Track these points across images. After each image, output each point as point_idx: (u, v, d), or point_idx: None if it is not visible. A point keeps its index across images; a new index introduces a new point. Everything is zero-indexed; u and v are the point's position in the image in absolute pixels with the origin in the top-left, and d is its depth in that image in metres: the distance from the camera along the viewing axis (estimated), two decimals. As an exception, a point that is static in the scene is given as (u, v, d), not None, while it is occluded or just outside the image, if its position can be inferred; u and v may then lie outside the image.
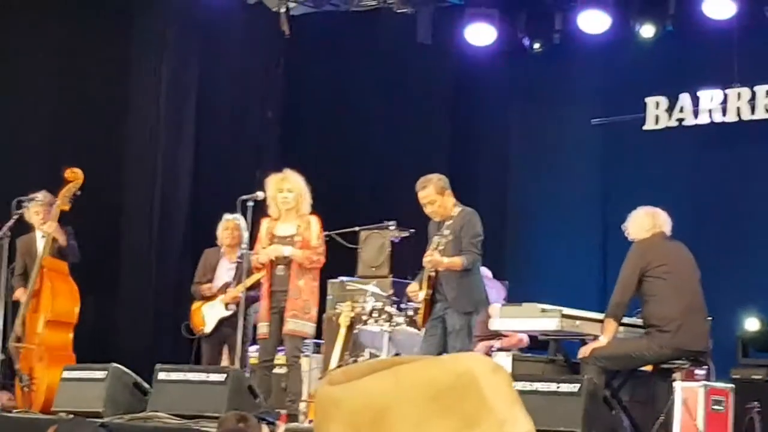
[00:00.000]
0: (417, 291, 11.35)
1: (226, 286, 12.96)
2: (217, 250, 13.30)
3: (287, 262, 11.34)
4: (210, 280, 13.14)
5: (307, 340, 11.94)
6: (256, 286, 11.85)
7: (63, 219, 12.99)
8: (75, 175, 12.94)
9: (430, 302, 11.24)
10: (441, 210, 11.31)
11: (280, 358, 11.79)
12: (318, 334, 13.07)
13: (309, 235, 11.43)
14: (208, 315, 12.99)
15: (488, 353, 12.78)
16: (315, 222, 11.54)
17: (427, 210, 11.38)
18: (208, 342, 13.07)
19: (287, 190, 11.42)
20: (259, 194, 11.57)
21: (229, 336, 12.82)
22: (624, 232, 11.13)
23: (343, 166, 16.42)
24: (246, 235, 12.18)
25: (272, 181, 11.53)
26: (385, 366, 1.72)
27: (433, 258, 11.11)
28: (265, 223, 11.55)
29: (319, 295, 11.87)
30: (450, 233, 11.10)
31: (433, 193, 11.23)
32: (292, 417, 10.99)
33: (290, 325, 11.24)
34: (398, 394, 1.63)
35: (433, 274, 11.23)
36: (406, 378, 1.64)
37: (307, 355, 12.23)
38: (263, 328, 11.47)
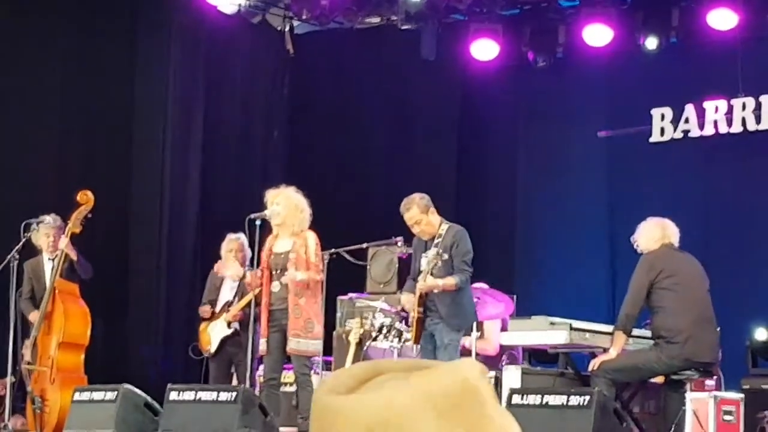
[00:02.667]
0: (412, 302, 11.39)
1: (229, 304, 13.02)
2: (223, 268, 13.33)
3: (285, 281, 11.38)
4: (215, 300, 13.17)
5: (316, 358, 11.95)
6: (260, 303, 11.86)
7: (73, 241, 13.02)
8: (87, 198, 12.98)
9: (422, 320, 11.32)
10: (428, 228, 11.46)
11: (288, 376, 11.81)
12: (328, 351, 13.09)
13: (305, 251, 11.44)
14: (212, 335, 13.03)
15: (499, 366, 12.79)
16: (312, 238, 11.55)
17: (415, 230, 11.52)
18: (214, 362, 13.10)
19: (276, 204, 11.45)
20: (267, 213, 11.59)
21: (234, 354, 12.89)
22: (633, 243, 11.14)
23: (350, 183, 16.43)
24: (250, 253, 12.21)
25: (268, 195, 11.59)
26: (379, 372, 1.70)
27: (428, 283, 11.19)
28: (268, 240, 11.61)
29: (324, 311, 11.89)
30: (443, 252, 11.15)
31: (418, 213, 11.37)
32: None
33: (292, 345, 11.31)
34: (414, 407, 1.62)
35: (425, 293, 11.30)
36: (421, 389, 1.64)
37: (317, 373, 12.21)
38: (263, 345, 11.57)
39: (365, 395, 1.63)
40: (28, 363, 12.82)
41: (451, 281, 11.16)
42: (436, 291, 11.22)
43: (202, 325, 13.24)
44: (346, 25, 17.05)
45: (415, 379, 1.64)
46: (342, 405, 1.63)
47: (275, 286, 11.54)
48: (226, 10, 16.53)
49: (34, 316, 13.00)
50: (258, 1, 17.01)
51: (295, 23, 17.19)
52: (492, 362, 12.77)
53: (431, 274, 11.21)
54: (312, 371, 11.78)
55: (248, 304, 12.33)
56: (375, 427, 1.61)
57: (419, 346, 11.47)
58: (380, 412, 1.62)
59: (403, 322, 12.92)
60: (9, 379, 12.82)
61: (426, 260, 11.30)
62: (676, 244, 11.06)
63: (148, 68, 16.72)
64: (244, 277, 12.52)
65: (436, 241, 11.37)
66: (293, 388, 11.78)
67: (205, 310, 13.29)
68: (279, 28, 17.35)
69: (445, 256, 11.17)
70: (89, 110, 16.25)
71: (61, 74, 16.14)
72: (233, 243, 13.08)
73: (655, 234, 11.03)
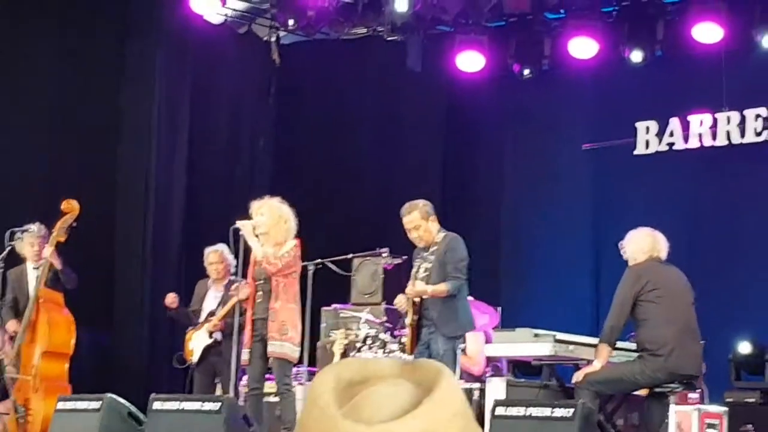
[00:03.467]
0: (404, 304, 11.41)
1: (211, 314, 13.06)
2: (206, 281, 13.39)
3: (266, 290, 11.40)
4: (199, 310, 13.22)
5: (298, 368, 11.98)
6: (244, 314, 11.90)
7: (58, 250, 13.02)
8: (71, 207, 12.99)
9: (417, 327, 11.32)
10: (426, 235, 11.39)
11: (270, 386, 11.81)
12: (313, 362, 13.12)
13: (279, 251, 11.47)
14: (195, 344, 13.07)
15: (482, 379, 12.81)
16: (290, 244, 11.53)
17: (412, 235, 11.45)
18: (198, 371, 13.16)
19: (260, 214, 11.47)
20: (251, 223, 11.62)
21: (216, 364, 12.93)
22: (620, 249, 11.15)
23: (336, 193, 16.44)
24: (234, 263, 12.26)
25: (252, 206, 11.61)
26: (368, 378, 1.71)
27: (416, 288, 11.20)
28: (253, 252, 11.65)
29: (308, 321, 11.94)
30: (435, 259, 11.16)
31: (419, 218, 11.31)
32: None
33: (269, 348, 11.32)
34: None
35: (417, 300, 11.28)
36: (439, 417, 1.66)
37: (300, 383, 12.22)
38: (245, 355, 11.64)
39: (396, 424, 1.63)
40: (13, 373, 12.82)
41: (441, 287, 11.13)
42: (425, 297, 11.24)
43: (188, 335, 13.28)
44: (332, 36, 17.05)
45: (429, 405, 1.66)
46: None
47: (258, 297, 11.58)
48: (213, 20, 16.53)
49: (11, 325, 12.99)
50: (244, 11, 17.03)
51: (282, 34, 17.20)
52: (477, 373, 12.80)
53: (426, 282, 11.22)
54: (295, 381, 11.80)
55: (231, 314, 12.37)
56: None
57: (414, 356, 11.45)
58: None
59: (388, 333, 12.95)
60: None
61: (422, 266, 11.30)
62: (664, 258, 11.09)
63: (136, 75, 16.72)
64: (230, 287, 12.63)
65: (432, 249, 11.37)
66: (276, 399, 11.76)
67: (169, 298, 13.47)
68: (265, 39, 17.36)
69: (435, 263, 11.21)
70: (76, 116, 16.24)
71: (49, 79, 16.13)
72: (213, 255, 13.22)
73: (644, 245, 11.04)
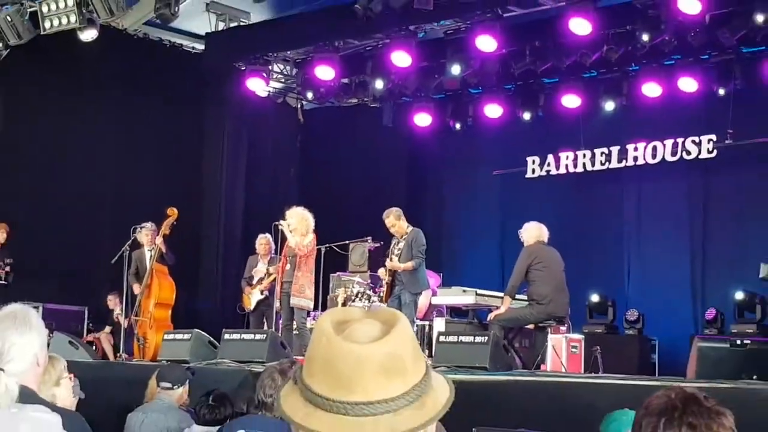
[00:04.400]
0: (384, 274, 11.64)
1: (261, 280, 13.05)
2: (256, 256, 13.39)
3: (293, 263, 11.47)
4: (252, 276, 13.24)
5: (315, 312, 12.05)
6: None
7: (164, 240, 13.04)
8: (173, 212, 13.05)
9: (391, 286, 11.45)
10: (399, 230, 11.57)
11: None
12: (324, 308, 13.13)
13: (303, 241, 11.56)
14: (252, 299, 13.07)
15: (431, 319, 12.82)
16: (309, 237, 11.68)
17: (392, 230, 11.69)
18: (253, 316, 13.15)
19: (289, 217, 11.59)
20: (285, 222, 11.70)
21: (265, 311, 12.91)
22: (519, 235, 11.17)
23: (339, 203, 16.39)
24: (273, 246, 12.35)
25: (286, 211, 11.78)
26: (353, 317, 1.76)
27: (393, 264, 11.43)
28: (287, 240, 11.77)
29: (316, 283, 12.06)
30: (405, 245, 11.31)
31: (393, 219, 11.57)
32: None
33: (293, 301, 11.53)
34: (404, 347, 1.71)
35: (393, 270, 11.45)
36: (402, 337, 1.73)
37: (314, 321, 12.23)
38: (276, 303, 11.95)
39: (375, 345, 1.65)
40: (135, 315, 12.83)
41: (409, 264, 11.40)
42: (398, 270, 11.40)
43: (245, 292, 13.28)
44: (336, 104, 17.06)
45: (393, 334, 1.67)
46: (362, 351, 1.65)
47: (287, 267, 11.70)
48: (261, 94, 16.53)
49: (136, 288, 13.00)
50: (280, 88, 17.01)
51: (304, 102, 17.19)
52: (427, 316, 12.80)
53: (398, 258, 11.41)
54: (312, 320, 11.81)
55: (273, 279, 12.39)
56: (391, 359, 1.65)
57: (387, 304, 11.56)
58: (387, 355, 1.65)
59: (371, 290, 12.95)
60: (125, 322, 12.82)
61: (397, 249, 11.48)
62: (546, 241, 11.11)
63: (212, 130, 16.74)
64: (272, 263, 12.66)
65: (403, 237, 11.53)
66: (296, 332, 11.80)
67: (247, 288, 13.39)
68: (294, 105, 17.35)
69: (405, 247, 11.45)
70: (175, 155, 16.27)
71: (158, 132, 16.17)
72: (262, 239, 13.25)
73: (534, 233, 11.08)
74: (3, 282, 13.39)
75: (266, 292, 12.95)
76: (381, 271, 11.89)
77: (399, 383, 1.65)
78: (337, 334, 1.67)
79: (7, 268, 13.45)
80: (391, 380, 1.64)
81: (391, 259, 11.50)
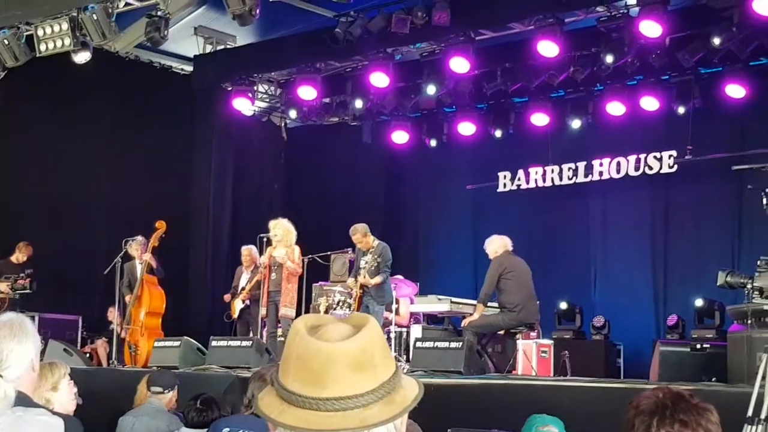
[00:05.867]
0: (354, 285, 11.81)
1: (243, 289, 13.02)
2: (241, 267, 13.36)
3: (278, 273, 11.46)
4: (237, 286, 13.20)
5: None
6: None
7: (154, 251, 13.00)
8: (161, 225, 13.01)
9: (361, 297, 11.50)
10: (365, 245, 11.72)
11: (281, 332, 11.83)
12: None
13: (292, 255, 11.54)
14: (236, 307, 13.04)
15: (408, 326, 12.82)
16: (297, 249, 11.71)
17: (358, 245, 11.86)
18: (238, 323, 13.08)
19: (274, 228, 11.54)
20: (270, 234, 11.68)
21: (248, 319, 12.87)
22: (485, 250, 11.18)
23: (321, 216, 16.37)
24: (258, 256, 12.33)
25: (270, 223, 11.73)
26: (326, 321, 1.76)
27: (365, 280, 11.61)
28: (269, 249, 11.72)
29: (301, 293, 12.04)
30: (373, 259, 11.40)
31: (360, 236, 11.72)
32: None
33: (282, 311, 11.47)
34: (373, 345, 1.70)
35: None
36: (371, 336, 1.72)
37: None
38: (263, 311, 11.81)
39: (346, 342, 1.65)
40: (127, 324, 12.79)
41: (377, 279, 11.54)
42: (369, 285, 11.45)
43: (232, 302, 13.24)
44: (318, 122, 17.05)
45: (363, 332, 1.67)
46: (334, 348, 1.65)
47: (272, 276, 11.65)
48: (246, 113, 16.50)
49: (128, 297, 12.95)
50: (265, 107, 16.98)
51: (288, 121, 17.18)
52: (405, 324, 12.79)
53: (367, 272, 11.42)
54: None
55: (256, 288, 12.35)
56: (360, 355, 1.65)
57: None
58: (358, 352, 1.65)
59: (351, 299, 12.96)
60: (116, 330, 12.78)
61: (364, 262, 11.48)
62: (511, 250, 11.12)
63: (200, 146, 16.70)
64: (255, 271, 12.62)
65: (370, 251, 11.53)
66: (282, 339, 11.77)
67: (226, 297, 13.39)
68: (278, 124, 17.33)
69: (374, 262, 11.41)
70: (165, 170, 16.24)
71: (149, 147, 16.17)
72: (245, 251, 13.20)
73: (500, 243, 11.09)
74: (27, 291, 13.35)
75: (247, 301, 12.91)
76: (350, 282, 11.93)
77: (369, 380, 1.65)
78: (310, 335, 1.67)
79: (29, 279, 13.42)
80: (361, 377, 1.65)
81: (362, 275, 11.58)
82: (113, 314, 13.45)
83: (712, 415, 2.48)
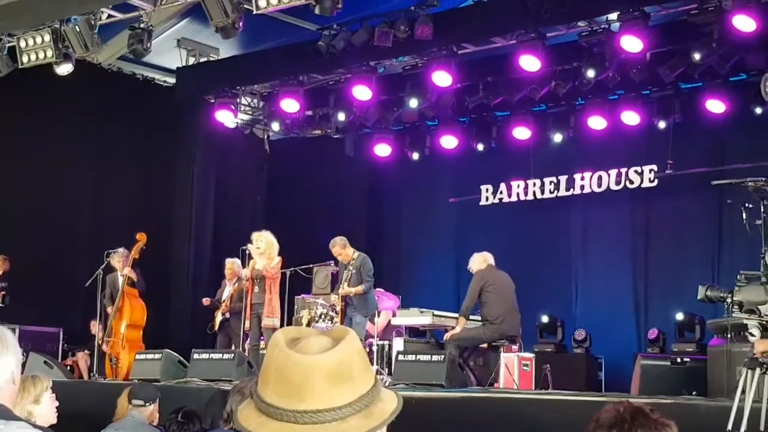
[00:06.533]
0: (336, 301, 11.71)
1: (223, 302, 13.03)
2: (225, 279, 13.33)
3: (261, 286, 11.43)
4: (220, 299, 13.18)
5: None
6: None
7: (135, 263, 12.97)
8: (142, 237, 12.99)
9: (344, 309, 11.54)
10: (345, 257, 11.74)
11: (263, 345, 11.79)
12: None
13: (271, 266, 11.50)
14: (217, 320, 13.02)
15: (391, 338, 12.82)
16: (276, 260, 11.64)
17: (338, 258, 11.96)
18: (220, 335, 13.05)
19: (257, 240, 11.51)
20: (253, 246, 11.66)
21: (231, 331, 12.85)
22: (468, 268, 11.23)
23: (304, 228, 16.36)
24: (241, 268, 12.31)
25: (253, 235, 11.72)
26: (306, 334, 1.76)
27: (346, 290, 11.66)
28: (251, 262, 11.71)
29: (283, 306, 11.98)
30: (354, 270, 11.40)
31: (339, 248, 11.80)
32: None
33: (265, 322, 11.40)
34: (351, 357, 1.71)
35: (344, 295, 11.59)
36: (350, 350, 1.73)
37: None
38: (246, 324, 11.75)
39: (324, 355, 1.66)
40: (108, 336, 12.74)
41: (359, 289, 11.50)
42: (350, 295, 11.44)
43: (216, 314, 13.21)
44: (301, 135, 17.04)
45: (341, 345, 1.67)
46: (312, 361, 1.65)
47: (255, 289, 11.64)
48: (229, 126, 16.46)
49: (110, 309, 12.91)
50: (248, 120, 16.97)
51: (270, 133, 17.16)
52: (387, 336, 12.79)
53: (348, 283, 11.43)
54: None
55: (238, 300, 12.36)
56: (338, 368, 1.65)
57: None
58: (336, 365, 1.66)
59: (334, 311, 12.93)
60: (103, 343, 12.74)
61: (346, 274, 11.49)
62: (493, 265, 11.15)
63: (183, 158, 16.65)
64: (236, 283, 12.60)
65: (350, 263, 11.55)
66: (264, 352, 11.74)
67: (204, 300, 13.48)
68: (261, 136, 17.31)
69: (354, 272, 11.53)
70: (147, 182, 16.21)
71: (130, 161, 16.12)
72: (228, 264, 13.16)
73: (480, 261, 11.13)
74: (0, 305, 13.31)
75: (227, 314, 12.89)
76: (333, 298, 11.95)
77: (347, 392, 1.66)
78: (289, 347, 1.68)
79: (3, 292, 13.37)
80: (340, 389, 1.65)
81: (342, 286, 11.59)
82: (96, 327, 13.40)
83: (671, 431, 2.50)
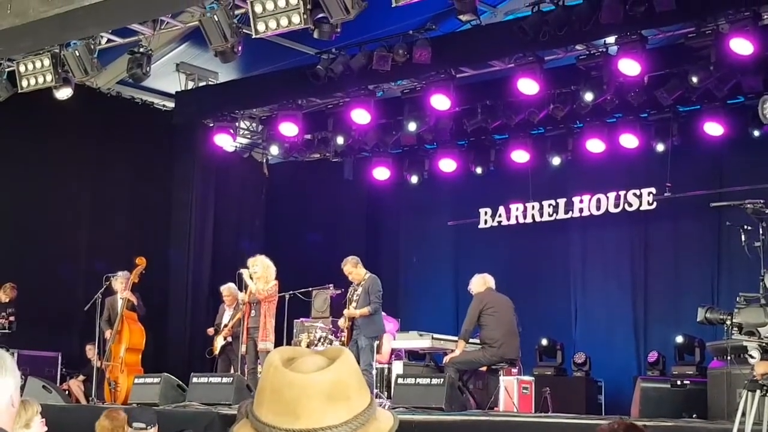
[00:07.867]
0: (344, 324, 11.49)
1: (225, 326, 13.01)
2: (224, 304, 13.34)
3: (257, 310, 11.44)
4: (220, 323, 13.19)
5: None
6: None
7: (134, 287, 12.98)
8: (141, 261, 13.02)
9: (351, 331, 11.39)
10: (356, 277, 11.52)
11: (260, 369, 11.78)
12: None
13: (266, 287, 11.50)
14: (217, 344, 13.01)
15: (390, 363, 12.77)
16: (272, 282, 11.66)
17: (349, 277, 11.60)
18: (219, 359, 13.03)
19: (253, 265, 11.58)
20: (249, 270, 11.69)
21: (230, 354, 12.84)
22: (468, 289, 11.22)
23: (302, 252, 16.37)
24: (238, 293, 12.33)
25: (249, 260, 11.75)
26: (301, 354, 1.76)
27: (352, 312, 11.36)
28: (249, 287, 11.71)
29: (282, 329, 12.02)
30: (362, 291, 11.27)
31: (350, 267, 11.53)
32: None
33: (260, 346, 11.45)
34: (349, 377, 1.71)
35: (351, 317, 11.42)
36: (346, 369, 1.73)
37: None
38: (243, 348, 11.78)
39: (319, 373, 1.66)
40: (106, 360, 12.72)
41: (365, 310, 11.30)
42: (356, 317, 11.34)
43: (215, 338, 13.20)
44: (299, 158, 17.08)
45: (336, 364, 1.68)
46: (307, 379, 1.65)
47: (252, 313, 11.65)
48: (228, 149, 16.48)
49: (107, 333, 12.90)
50: (246, 144, 17.01)
51: (269, 157, 17.19)
52: (385, 361, 12.75)
53: (356, 304, 11.37)
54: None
55: (237, 325, 12.38)
56: (333, 386, 1.65)
57: (348, 348, 11.48)
58: (331, 383, 1.66)
59: (333, 335, 12.89)
60: (97, 364, 12.71)
61: (355, 294, 11.44)
62: (493, 287, 11.15)
63: (181, 182, 16.68)
64: (238, 308, 12.60)
65: (361, 283, 11.47)
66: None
67: (209, 330, 13.47)
68: (259, 160, 17.34)
69: (362, 293, 11.39)
70: (147, 205, 16.23)
71: (129, 185, 16.14)
72: (225, 290, 13.23)
73: (480, 283, 11.14)
74: (7, 331, 13.28)
75: (229, 338, 12.89)
76: (341, 321, 11.86)
77: (343, 411, 1.66)
78: (284, 366, 1.68)
79: (11, 318, 13.33)
80: (335, 408, 1.65)
81: (348, 307, 11.49)
82: (92, 351, 13.38)
83: None
